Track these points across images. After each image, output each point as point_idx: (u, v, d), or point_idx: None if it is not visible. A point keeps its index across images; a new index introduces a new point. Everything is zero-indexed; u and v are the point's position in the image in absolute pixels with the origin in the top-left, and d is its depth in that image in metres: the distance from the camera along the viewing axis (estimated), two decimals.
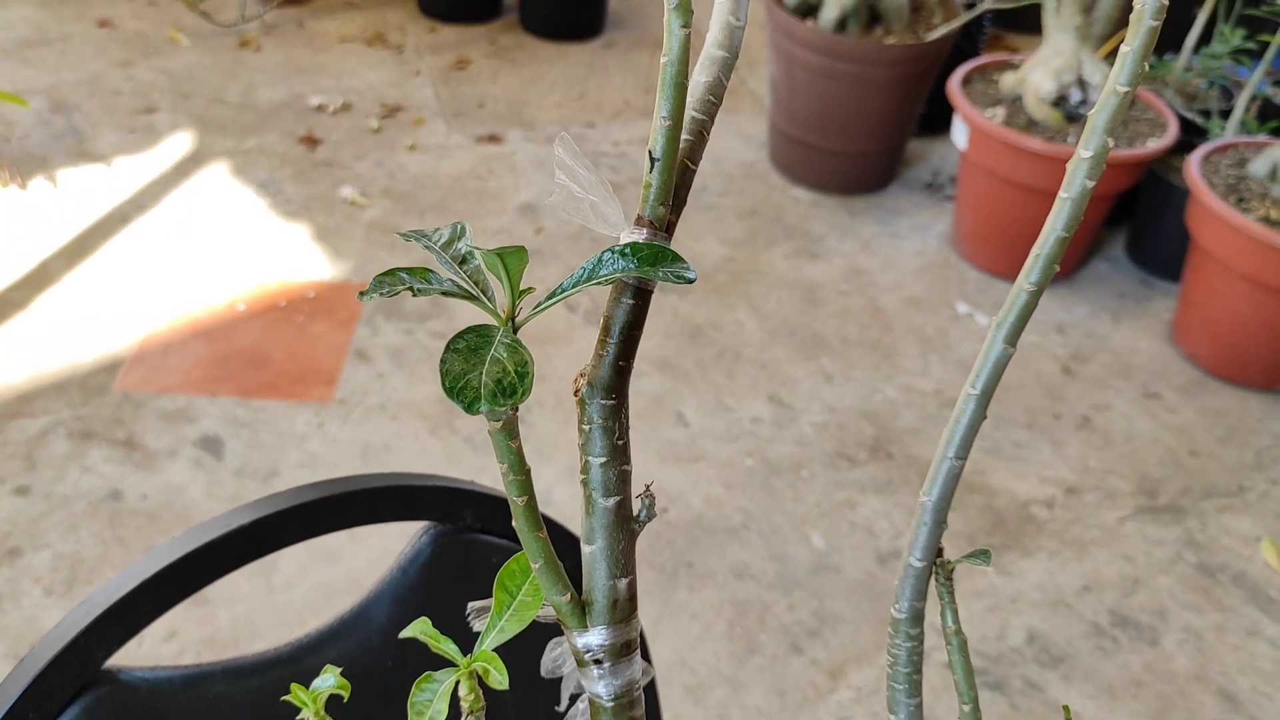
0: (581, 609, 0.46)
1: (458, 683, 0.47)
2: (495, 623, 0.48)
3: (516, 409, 0.40)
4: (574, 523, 0.74)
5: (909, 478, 2.21)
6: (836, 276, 2.76)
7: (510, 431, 0.43)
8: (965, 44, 3.20)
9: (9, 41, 3.41)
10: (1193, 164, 2.53)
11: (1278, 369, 2.49)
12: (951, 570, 0.51)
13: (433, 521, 0.77)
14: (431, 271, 0.42)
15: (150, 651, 1.77)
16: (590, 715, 0.49)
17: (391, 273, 0.41)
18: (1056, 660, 1.90)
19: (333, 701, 0.49)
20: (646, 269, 0.41)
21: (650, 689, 0.86)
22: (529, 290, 0.42)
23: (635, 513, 0.47)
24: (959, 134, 2.75)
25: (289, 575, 1.91)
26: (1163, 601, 2.02)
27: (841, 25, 2.91)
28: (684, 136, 0.46)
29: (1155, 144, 2.64)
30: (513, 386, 0.38)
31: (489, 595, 0.49)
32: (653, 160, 0.44)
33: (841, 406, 2.37)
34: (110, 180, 2.85)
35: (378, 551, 1.94)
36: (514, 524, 0.44)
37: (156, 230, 2.70)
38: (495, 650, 0.47)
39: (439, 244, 0.45)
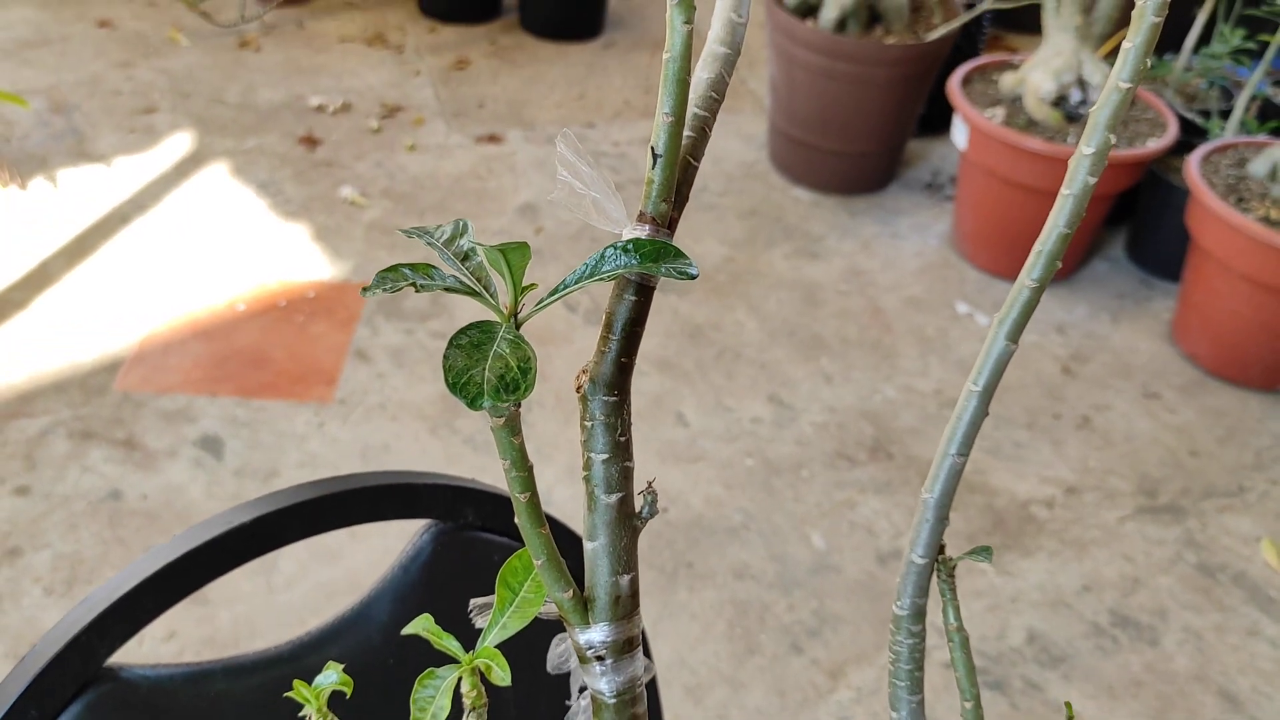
0: (584, 605, 0.47)
1: (460, 679, 0.47)
2: (497, 619, 0.48)
3: (519, 405, 0.40)
4: (575, 522, 0.74)
5: (909, 478, 2.21)
6: (836, 277, 2.76)
7: (513, 428, 0.43)
8: (965, 44, 3.20)
9: (9, 42, 3.41)
10: (1192, 164, 2.53)
11: (1277, 369, 2.50)
12: (953, 567, 0.51)
13: (434, 519, 0.77)
14: (434, 268, 0.42)
15: (150, 651, 1.77)
16: (593, 712, 0.49)
17: (394, 269, 0.41)
18: (1056, 660, 1.90)
19: (335, 698, 0.49)
20: (649, 265, 0.41)
21: (651, 687, 0.86)
22: (531, 286, 0.42)
23: (637, 509, 0.47)
24: (959, 134, 2.75)
25: (289, 575, 1.91)
26: (1163, 601, 2.02)
27: (841, 25, 2.91)
28: (686, 133, 0.46)
29: (1155, 144, 2.64)
30: (515, 382, 0.38)
31: (490, 593, 0.49)
32: (655, 156, 0.44)
33: (841, 407, 2.37)
34: (110, 180, 2.85)
35: (378, 551, 1.94)
36: (516, 520, 0.44)
37: (156, 230, 2.70)
38: (497, 647, 0.47)
39: (441, 241, 0.45)
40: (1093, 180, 0.46)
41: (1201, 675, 1.90)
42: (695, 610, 1.93)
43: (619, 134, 3.25)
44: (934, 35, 2.91)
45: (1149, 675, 1.89)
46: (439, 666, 0.47)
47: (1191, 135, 2.79)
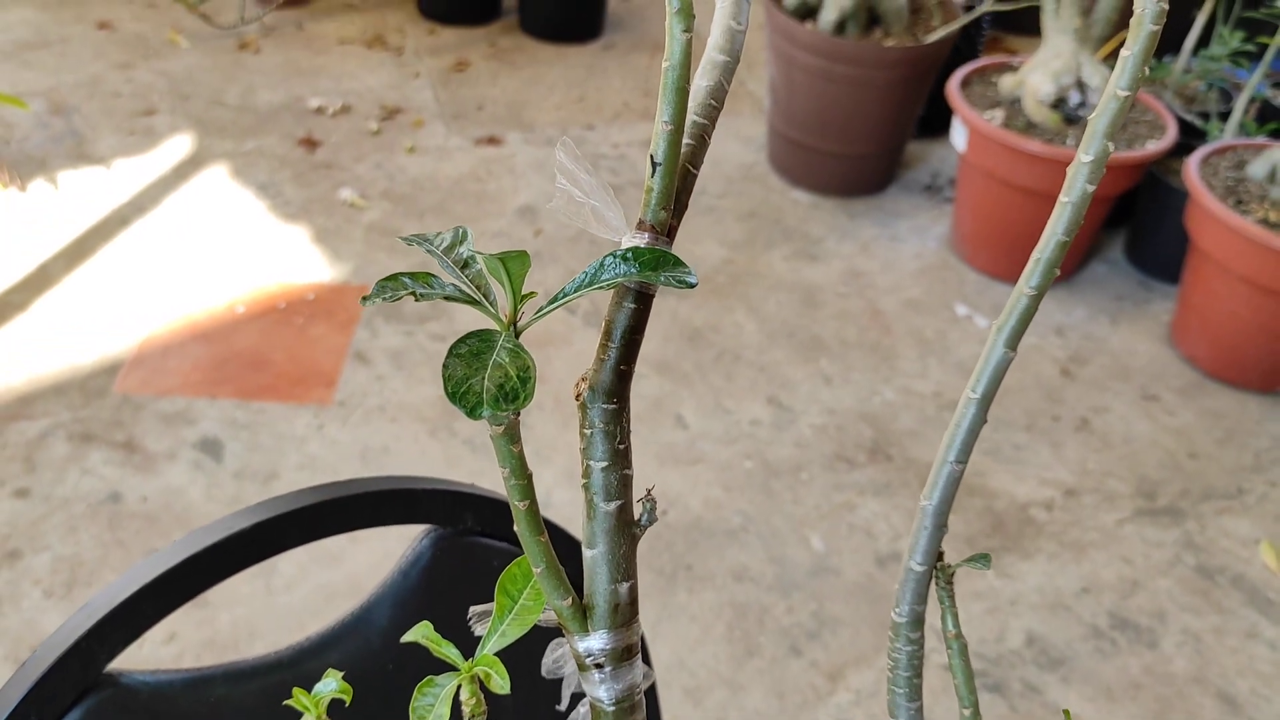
0: (583, 613, 0.47)
1: (459, 687, 0.47)
2: (497, 627, 0.48)
3: (518, 414, 0.40)
4: (574, 525, 0.74)
5: (908, 480, 2.21)
6: (835, 279, 2.76)
7: (512, 436, 0.43)
8: (964, 46, 3.20)
9: (8, 44, 3.41)
10: (1192, 166, 2.53)
11: (1276, 371, 2.50)
12: (952, 574, 0.51)
13: (433, 525, 0.77)
14: (433, 276, 0.42)
15: (150, 654, 1.77)
16: (591, 719, 0.49)
17: (394, 278, 0.41)
18: (1055, 662, 1.90)
19: (334, 705, 0.49)
20: (648, 274, 0.41)
21: (650, 694, 0.86)
22: (531, 295, 0.42)
23: (636, 517, 0.47)
24: (958, 136, 2.76)
25: (289, 577, 1.91)
26: (1162, 604, 2.02)
27: (840, 27, 2.91)
28: (685, 140, 0.46)
29: (1154, 146, 2.64)
30: (515, 391, 0.38)
31: (490, 598, 0.49)
32: (654, 165, 0.44)
33: (840, 409, 2.37)
34: (110, 182, 2.85)
35: (378, 554, 1.94)
36: (516, 528, 0.45)
37: (156, 232, 2.70)
38: (496, 654, 0.47)
39: (440, 248, 0.45)
40: (1091, 188, 0.46)
41: (1200, 677, 1.90)
42: (694, 612, 1.93)
43: (618, 136, 3.25)
44: (933, 37, 2.91)
45: (1148, 677, 1.89)
46: (438, 673, 0.48)
47: (1191, 137, 2.80)
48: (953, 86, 2.78)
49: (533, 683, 0.55)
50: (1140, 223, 2.88)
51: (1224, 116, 2.88)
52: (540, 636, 0.49)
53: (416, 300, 0.40)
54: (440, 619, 0.52)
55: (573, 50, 3.72)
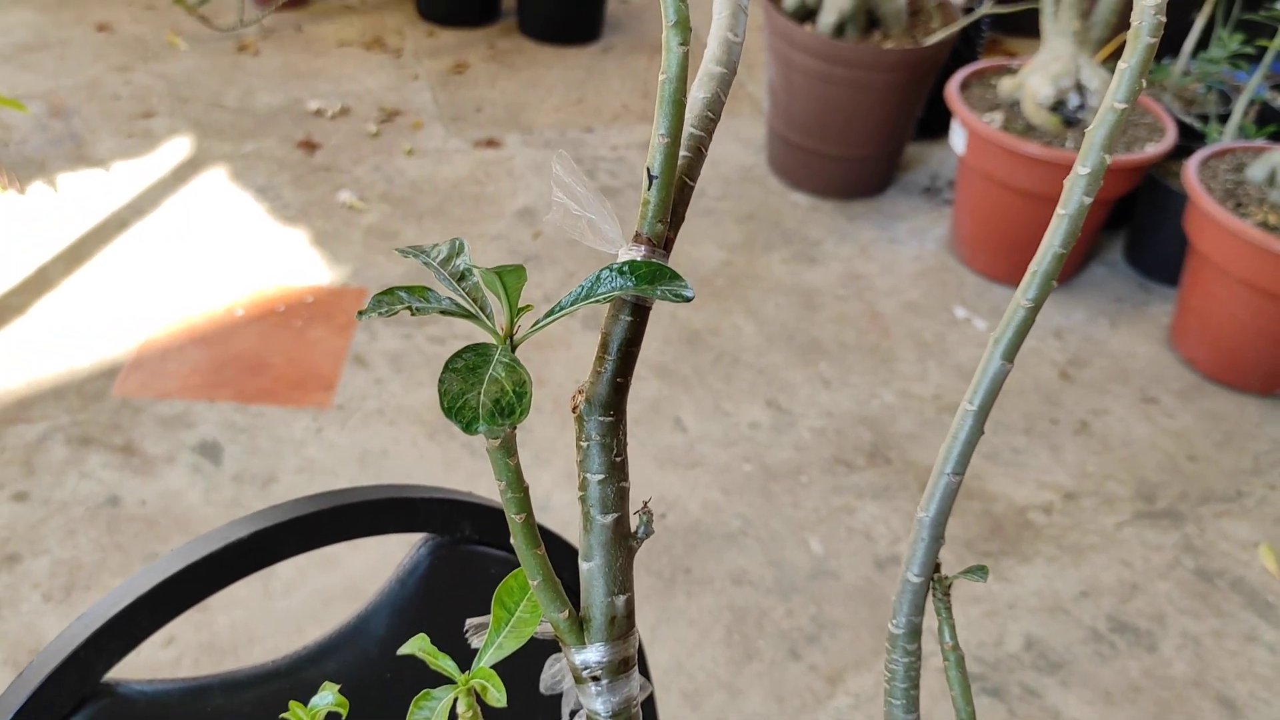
0: (579, 626, 0.46)
1: (456, 700, 0.47)
2: (493, 639, 0.48)
3: (515, 427, 0.40)
4: (571, 530, 0.74)
5: (907, 483, 2.21)
6: (834, 281, 2.76)
7: (508, 449, 0.43)
8: (963, 49, 3.20)
9: (7, 46, 3.41)
10: (1191, 169, 2.53)
11: (1276, 374, 2.50)
12: (949, 586, 0.51)
13: (431, 533, 0.77)
14: (430, 290, 0.42)
15: (148, 658, 1.77)
16: None
17: (390, 292, 0.41)
18: (1054, 666, 1.90)
19: (331, 718, 0.49)
20: (644, 287, 0.41)
21: (648, 703, 0.86)
22: (527, 308, 0.42)
23: (633, 529, 0.47)
24: (957, 138, 2.76)
25: (287, 581, 1.91)
26: (1161, 607, 2.02)
27: (840, 30, 2.91)
28: (682, 153, 0.46)
29: (1153, 149, 2.64)
30: (511, 406, 0.38)
31: (487, 606, 0.49)
32: (651, 178, 0.44)
33: (839, 412, 2.37)
34: (109, 185, 2.85)
35: (375, 558, 1.94)
36: (512, 541, 0.45)
37: (155, 235, 2.70)
38: (493, 666, 0.47)
39: (437, 260, 0.45)
40: (1088, 200, 0.46)
41: (1199, 681, 1.90)
42: (693, 616, 1.93)
43: (617, 138, 3.25)
44: (932, 40, 2.91)
45: (1147, 681, 1.89)
46: (435, 684, 0.48)
47: (1190, 140, 2.80)
48: (952, 89, 2.79)
49: (529, 695, 0.55)
50: (1139, 225, 2.88)
51: (1223, 119, 2.88)
52: (537, 648, 0.49)
53: (413, 314, 0.40)
54: (438, 628, 0.52)
55: (571, 52, 3.72)
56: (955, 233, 2.89)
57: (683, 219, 0.46)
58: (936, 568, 0.51)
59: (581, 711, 0.48)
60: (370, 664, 0.75)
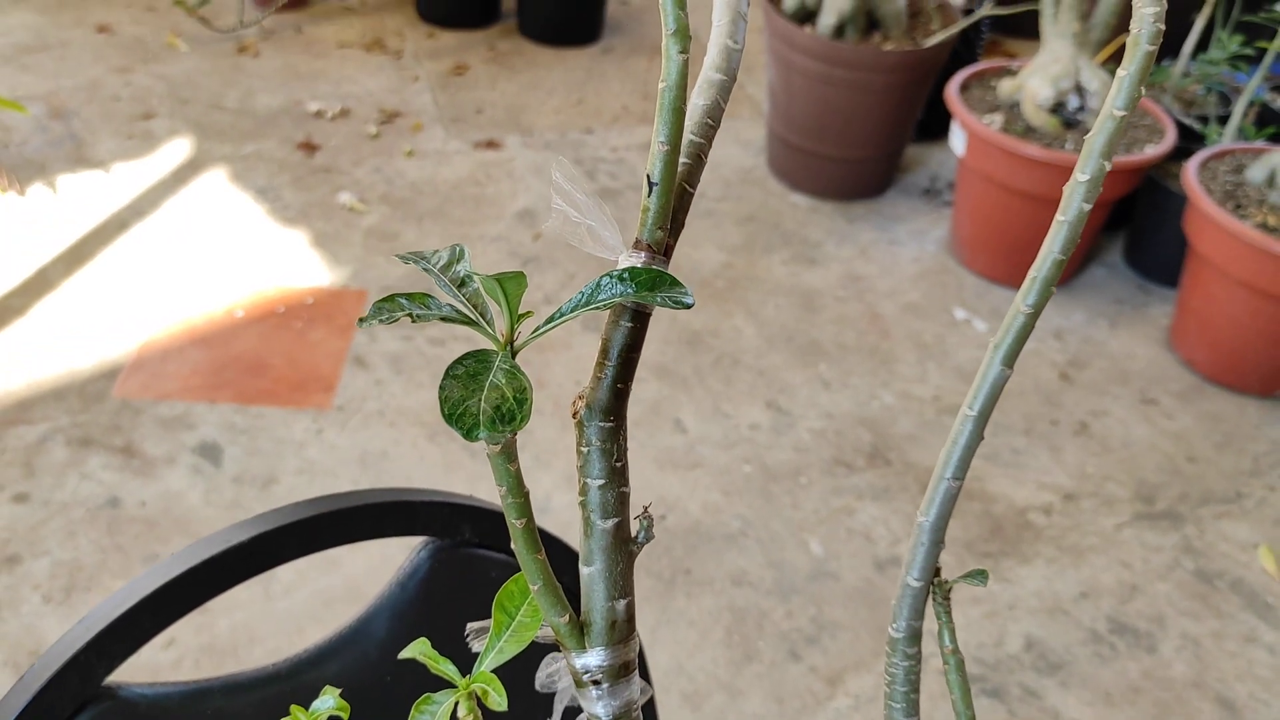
0: (580, 630, 0.47)
1: (456, 704, 0.47)
2: (494, 644, 0.48)
3: (515, 434, 0.41)
4: (571, 532, 0.74)
5: (907, 484, 2.21)
6: (834, 283, 2.76)
7: (509, 455, 0.43)
8: (963, 50, 3.20)
9: (8, 47, 3.41)
10: (1190, 170, 2.53)
11: (1275, 375, 2.50)
12: (949, 590, 0.52)
13: (431, 536, 0.77)
14: (430, 296, 0.42)
15: (149, 659, 1.77)
16: None
17: (391, 298, 0.41)
18: (1054, 667, 1.90)
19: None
20: (645, 294, 0.41)
21: (648, 707, 0.86)
22: (528, 314, 0.42)
23: (634, 534, 0.47)
24: (957, 140, 2.76)
25: (287, 582, 1.91)
26: (1160, 608, 2.02)
27: (839, 31, 2.91)
28: (682, 160, 0.46)
29: (1153, 150, 2.65)
30: (511, 413, 0.38)
31: (487, 609, 0.49)
32: (651, 185, 0.44)
33: (839, 413, 2.37)
34: (109, 186, 2.85)
35: (376, 559, 1.94)
36: (513, 545, 0.45)
37: (155, 236, 2.70)
38: (494, 669, 0.48)
39: (438, 266, 0.45)
40: (1088, 207, 0.46)
41: (1199, 682, 1.90)
42: (693, 617, 1.93)
43: (617, 139, 3.25)
44: (932, 41, 2.91)
45: (1147, 682, 1.89)
46: (436, 688, 0.48)
47: (1189, 141, 2.80)
48: (951, 90, 2.79)
49: (529, 698, 0.55)
50: (1139, 226, 2.88)
51: (1223, 120, 2.88)
52: (537, 652, 0.50)
53: (414, 321, 0.41)
54: (438, 631, 0.52)
55: (571, 54, 3.72)
56: (955, 234, 2.89)
57: (683, 225, 0.46)
58: (936, 571, 0.51)
59: (582, 715, 0.49)
60: (370, 667, 0.75)
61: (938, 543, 0.50)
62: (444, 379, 0.39)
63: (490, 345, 0.41)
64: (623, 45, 3.80)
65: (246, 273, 2.60)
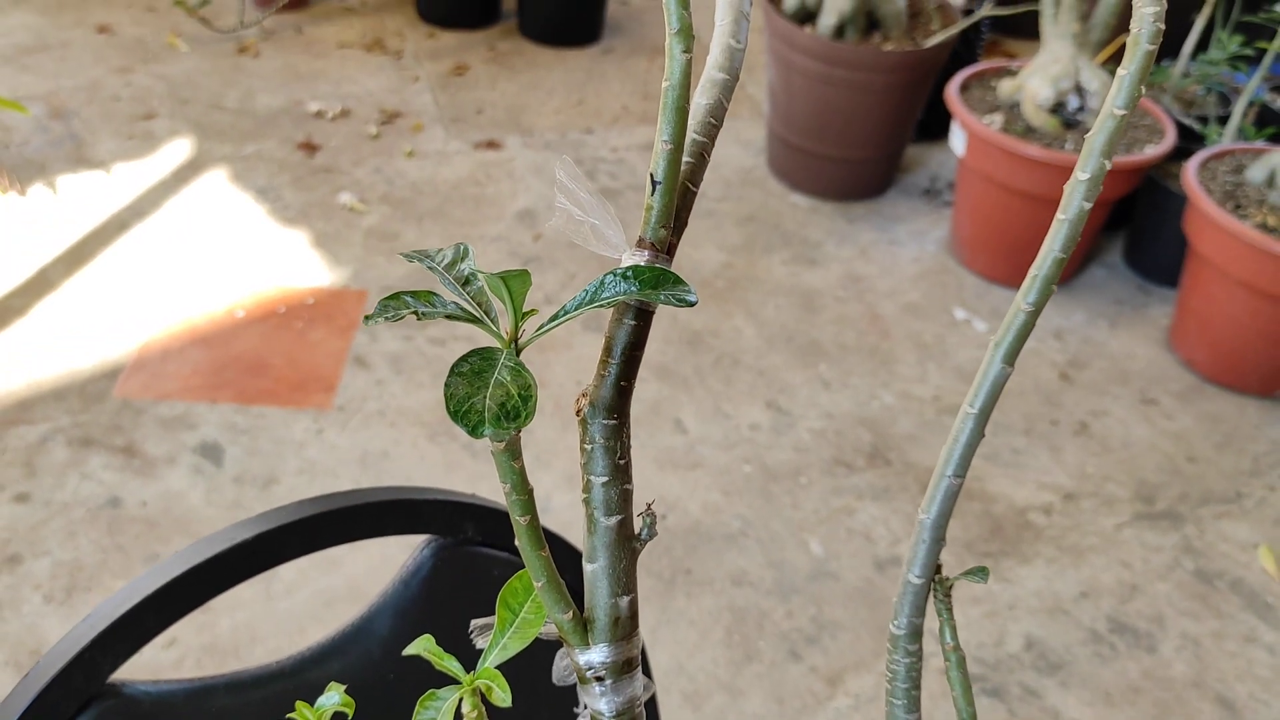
0: (584, 627, 0.47)
1: (461, 700, 0.47)
2: (498, 640, 0.48)
3: (520, 431, 0.41)
4: (572, 530, 0.75)
5: (907, 484, 2.22)
6: (834, 283, 2.77)
7: (513, 452, 0.43)
8: (963, 50, 3.20)
9: (8, 48, 3.42)
10: (1190, 170, 2.54)
11: (1275, 375, 2.50)
12: (950, 587, 0.52)
13: (434, 534, 0.77)
14: (435, 294, 0.42)
15: (150, 659, 1.77)
16: None
17: (396, 296, 0.41)
18: (1054, 667, 1.90)
19: (336, 718, 0.49)
20: (648, 292, 0.41)
21: (650, 703, 0.86)
22: (532, 312, 0.43)
23: (637, 531, 0.47)
24: (957, 140, 2.76)
25: (289, 582, 1.91)
26: (1160, 608, 2.03)
27: (839, 32, 2.92)
28: (685, 159, 0.46)
29: (1153, 150, 2.65)
30: (516, 410, 0.38)
31: (490, 607, 0.50)
32: (654, 183, 0.44)
33: (839, 413, 2.37)
34: (109, 186, 2.85)
35: (377, 559, 1.94)
36: (517, 543, 0.45)
37: (155, 237, 2.70)
38: (497, 666, 0.48)
39: (442, 265, 0.45)
40: (1088, 206, 0.46)
41: (1199, 682, 1.90)
42: (693, 617, 1.93)
43: (617, 140, 3.26)
44: (932, 41, 2.92)
45: (1146, 682, 1.90)
46: (440, 684, 0.48)
47: (1189, 141, 2.80)
48: (951, 91, 2.79)
49: (532, 692, 0.55)
50: (1139, 227, 2.89)
51: (1222, 121, 2.89)
52: (541, 648, 0.50)
53: (419, 319, 0.41)
54: (441, 628, 0.52)
55: (572, 54, 3.72)
56: (955, 234, 2.89)
57: (685, 224, 0.47)
58: (937, 569, 0.52)
59: (586, 709, 0.49)
60: (374, 665, 0.75)
61: (939, 540, 0.51)
62: (449, 376, 0.39)
63: (494, 343, 0.41)
64: (623, 45, 3.81)
65: (247, 273, 2.61)
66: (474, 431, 0.38)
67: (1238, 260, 2.39)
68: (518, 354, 0.41)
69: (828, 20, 2.90)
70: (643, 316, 0.45)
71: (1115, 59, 2.92)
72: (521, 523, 0.44)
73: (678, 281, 0.42)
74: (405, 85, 3.43)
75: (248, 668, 0.72)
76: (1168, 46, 3.08)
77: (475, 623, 0.49)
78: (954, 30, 2.94)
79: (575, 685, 0.51)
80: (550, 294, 2.56)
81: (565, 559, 0.74)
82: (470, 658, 0.49)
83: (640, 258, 0.44)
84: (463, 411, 0.38)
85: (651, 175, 0.44)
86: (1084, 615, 2.00)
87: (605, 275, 0.42)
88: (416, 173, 3.02)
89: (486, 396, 0.39)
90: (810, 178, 3.08)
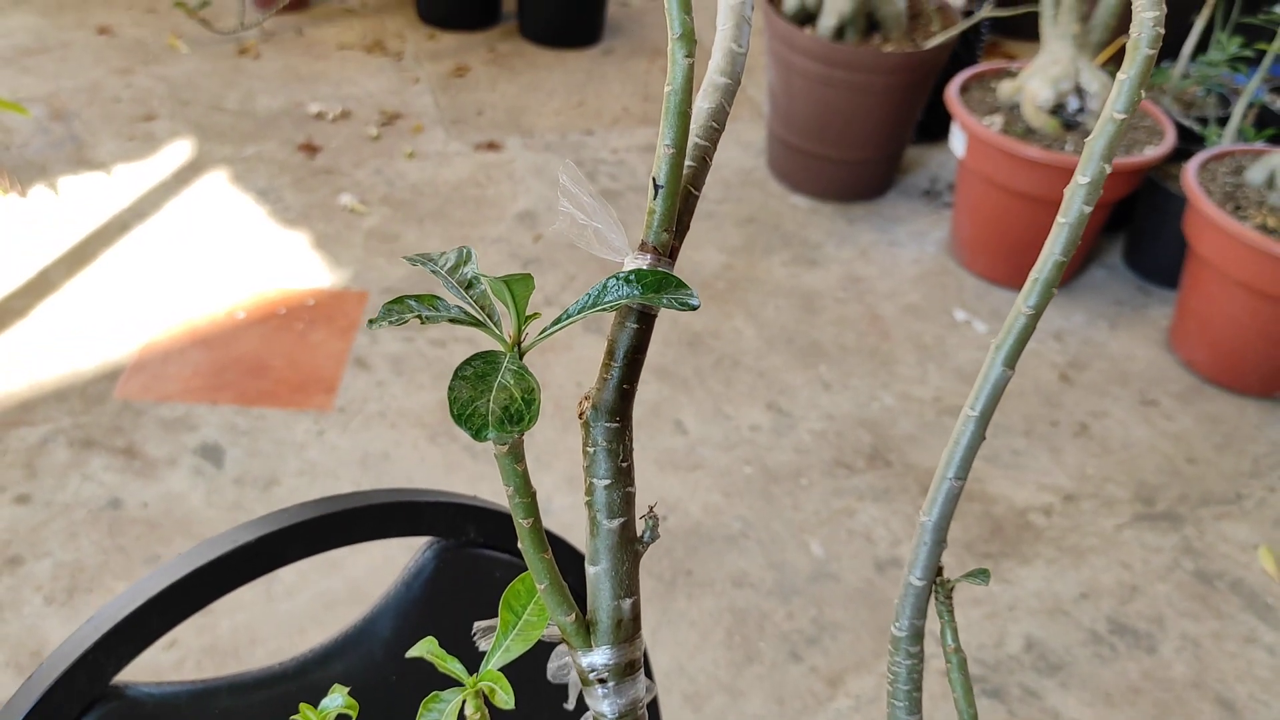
0: (586, 629, 0.47)
1: (464, 702, 0.47)
2: (501, 642, 0.48)
3: (523, 434, 0.41)
4: (573, 532, 0.75)
5: (907, 485, 2.22)
6: (834, 284, 2.77)
7: (516, 455, 0.43)
8: (963, 52, 3.21)
9: (9, 49, 3.42)
10: (1190, 171, 2.54)
11: (1275, 376, 2.50)
12: (951, 589, 0.52)
13: (436, 537, 0.77)
14: (439, 298, 0.42)
15: (151, 661, 1.78)
16: None
17: (400, 300, 0.41)
18: (1054, 668, 1.91)
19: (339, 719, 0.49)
20: (651, 296, 0.41)
21: (652, 706, 0.87)
22: (535, 316, 0.43)
23: (639, 534, 0.48)
24: (957, 141, 2.76)
25: (289, 584, 1.91)
26: (1160, 609, 2.03)
27: (840, 33, 2.92)
28: (687, 163, 0.46)
29: (1153, 151, 2.65)
30: (519, 413, 0.39)
31: (492, 609, 0.50)
32: (656, 187, 0.44)
33: (840, 414, 2.37)
34: (110, 188, 2.85)
35: (377, 561, 1.94)
36: (520, 545, 0.45)
37: (156, 238, 2.70)
38: (500, 668, 0.48)
39: (445, 268, 0.45)
40: (1089, 209, 0.46)
41: (1199, 682, 1.90)
42: (694, 618, 1.93)
43: (618, 141, 3.26)
44: (932, 43, 2.92)
45: (1147, 683, 1.90)
46: (442, 687, 0.48)
47: (1189, 142, 2.80)
48: (951, 92, 2.79)
49: (534, 693, 0.56)
50: (1139, 228, 2.89)
51: (1222, 122, 2.89)
52: (543, 649, 0.50)
53: (423, 323, 0.41)
54: (443, 630, 0.52)
55: (572, 55, 3.73)
56: (955, 236, 2.90)
57: (687, 227, 0.47)
58: (939, 571, 0.52)
59: (589, 713, 0.49)
60: (376, 666, 0.75)
61: (940, 542, 0.51)
62: (453, 379, 0.39)
63: (498, 346, 0.42)
64: (623, 47, 3.81)
65: (248, 274, 2.61)
66: (478, 435, 0.38)
67: (1237, 261, 2.39)
68: (520, 357, 0.41)
69: (828, 22, 2.91)
70: (645, 320, 0.45)
71: (1115, 60, 2.92)
72: (524, 525, 0.44)
73: (680, 285, 0.42)
74: (405, 87, 3.44)
75: (250, 669, 0.72)
76: (1167, 48, 3.08)
77: (478, 625, 0.49)
78: (954, 32, 2.95)
79: (568, 685, 0.52)
80: (550, 296, 2.57)
81: (567, 561, 0.74)
82: (472, 660, 0.49)
83: (642, 261, 0.44)
84: (466, 415, 0.38)
85: (654, 179, 0.44)
86: (1084, 616, 2.00)
87: (608, 279, 0.42)
88: (417, 174, 3.02)
89: (490, 400, 0.39)
90: (810, 179, 3.08)
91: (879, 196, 3.13)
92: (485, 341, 0.42)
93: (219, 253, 2.68)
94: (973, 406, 0.49)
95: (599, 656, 0.47)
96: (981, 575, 0.52)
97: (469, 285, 0.45)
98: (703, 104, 0.48)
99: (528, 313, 0.42)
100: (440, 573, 0.77)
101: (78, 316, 2.44)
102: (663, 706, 1.79)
